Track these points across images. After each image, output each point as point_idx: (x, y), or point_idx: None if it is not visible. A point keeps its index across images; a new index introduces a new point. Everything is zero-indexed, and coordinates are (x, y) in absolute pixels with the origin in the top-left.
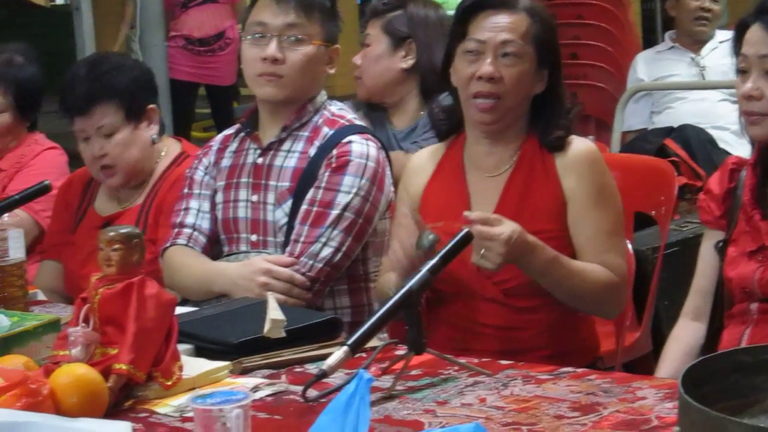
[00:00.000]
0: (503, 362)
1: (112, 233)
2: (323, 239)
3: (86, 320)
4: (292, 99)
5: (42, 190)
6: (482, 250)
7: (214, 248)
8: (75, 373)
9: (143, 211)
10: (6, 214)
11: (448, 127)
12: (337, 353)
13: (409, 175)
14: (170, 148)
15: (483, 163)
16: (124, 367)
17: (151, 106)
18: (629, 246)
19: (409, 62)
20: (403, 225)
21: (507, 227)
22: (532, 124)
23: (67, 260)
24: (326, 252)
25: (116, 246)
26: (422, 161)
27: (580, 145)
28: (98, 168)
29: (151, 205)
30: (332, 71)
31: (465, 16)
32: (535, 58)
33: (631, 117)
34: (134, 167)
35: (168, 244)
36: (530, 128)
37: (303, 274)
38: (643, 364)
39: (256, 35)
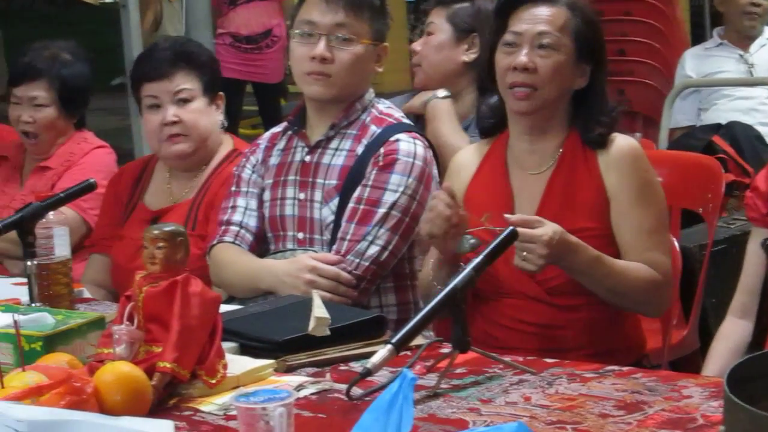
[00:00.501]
0: (548, 360)
1: (156, 231)
2: (370, 237)
3: (131, 318)
4: (340, 97)
5: (87, 188)
6: (524, 253)
7: (260, 246)
8: (119, 372)
9: (194, 206)
10: (51, 212)
11: (492, 124)
12: (382, 351)
13: (452, 172)
14: (225, 144)
15: (525, 160)
16: (168, 365)
17: (220, 93)
18: (675, 243)
19: (471, 56)
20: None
21: (548, 229)
22: (574, 120)
23: (115, 254)
24: (373, 250)
25: (160, 244)
26: (466, 159)
27: (622, 142)
28: (165, 136)
29: (202, 200)
30: (380, 70)
31: (505, 10)
32: (573, 51)
33: (678, 114)
34: (203, 140)
35: (215, 242)
36: (572, 125)
37: (349, 272)
38: (691, 362)
39: (305, 33)
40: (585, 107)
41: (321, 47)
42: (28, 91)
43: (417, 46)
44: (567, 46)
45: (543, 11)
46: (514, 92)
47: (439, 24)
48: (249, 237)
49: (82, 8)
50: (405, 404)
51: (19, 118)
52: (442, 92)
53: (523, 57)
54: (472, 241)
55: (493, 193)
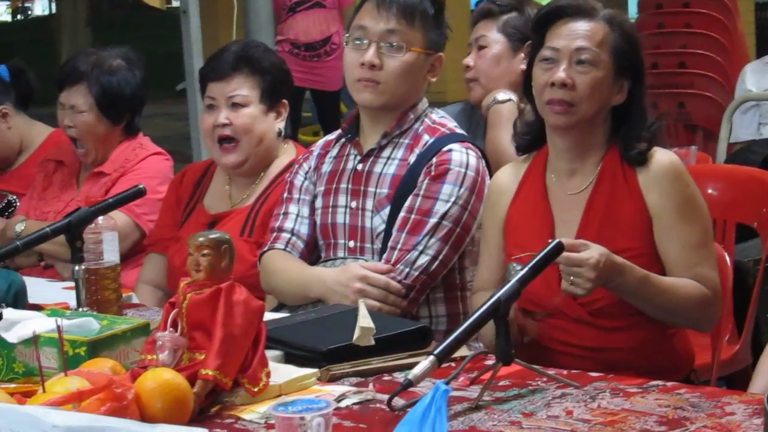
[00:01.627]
0: (592, 374)
1: (201, 238)
2: (420, 247)
3: (174, 325)
4: (390, 106)
5: (136, 193)
6: (571, 277)
7: (312, 253)
8: (160, 379)
9: (252, 212)
10: (101, 217)
11: (529, 140)
12: (424, 363)
13: (492, 195)
14: (287, 152)
15: (564, 179)
16: (210, 372)
17: (285, 101)
18: (727, 258)
19: None
20: (488, 243)
21: (594, 251)
22: (612, 137)
23: (171, 256)
24: (423, 260)
25: (205, 251)
26: (505, 180)
27: (662, 157)
28: (216, 138)
29: (261, 207)
30: (434, 80)
31: (542, 25)
32: (612, 67)
33: (738, 128)
34: (254, 147)
35: (266, 248)
36: (611, 142)
37: (399, 281)
38: (743, 378)
39: (357, 40)
40: (624, 124)
41: (370, 54)
42: (68, 97)
43: (470, 61)
44: (605, 62)
45: (581, 26)
46: (552, 108)
47: (491, 36)
48: (300, 244)
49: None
50: (438, 416)
51: (64, 123)
52: (502, 95)
53: (561, 73)
54: (518, 268)
55: (533, 215)
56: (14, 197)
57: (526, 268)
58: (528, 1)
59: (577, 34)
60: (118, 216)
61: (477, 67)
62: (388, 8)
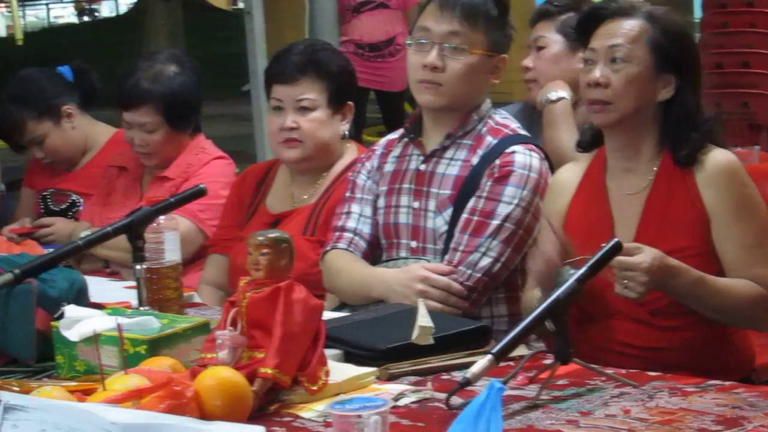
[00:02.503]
0: (651, 374)
1: (260, 238)
2: (482, 249)
3: (234, 324)
4: (452, 107)
5: (197, 193)
6: (625, 281)
7: (374, 253)
8: (219, 376)
9: (314, 211)
10: (162, 217)
11: (590, 138)
12: (481, 361)
13: (552, 192)
14: (349, 151)
15: (622, 180)
16: (269, 371)
17: (350, 103)
18: None
19: None
20: (546, 238)
21: (647, 255)
22: (667, 135)
23: (234, 256)
24: (485, 262)
25: (264, 250)
26: (565, 178)
27: (719, 156)
28: (281, 140)
29: (323, 206)
30: (497, 81)
31: (585, 28)
32: (651, 62)
33: None
34: (319, 150)
35: (329, 248)
36: (666, 141)
37: (461, 283)
38: None
39: (419, 41)
40: (673, 121)
41: (432, 56)
42: (136, 117)
43: (529, 62)
44: (641, 58)
45: (618, 25)
46: (591, 108)
47: (550, 37)
48: (362, 244)
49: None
50: (493, 414)
51: (133, 141)
52: (553, 93)
53: (596, 73)
54: (572, 272)
55: (592, 214)
56: (78, 197)
57: (585, 267)
58: (586, 0)
59: (612, 33)
60: (182, 221)
61: (536, 67)
62: (451, 10)
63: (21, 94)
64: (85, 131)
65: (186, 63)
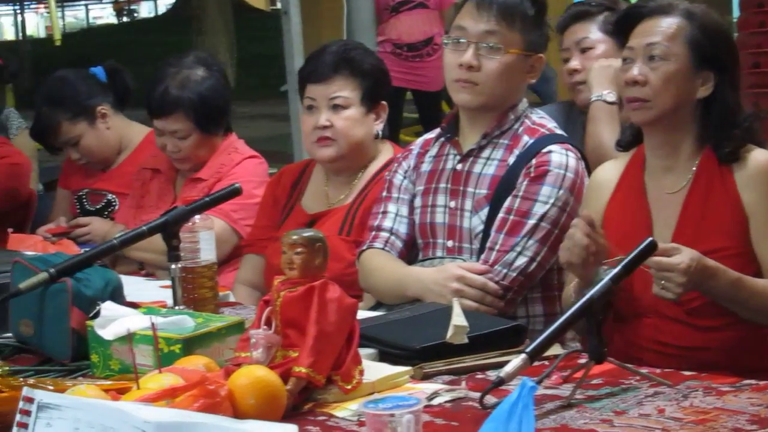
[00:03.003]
0: (685, 373)
1: (295, 236)
2: (518, 248)
3: (268, 323)
4: (488, 106)
5: (232, 192)
6: (662, 281)
7: (410, 252)
8: (253, 375)
9: (350, 211)
10: (197, 216)
11: (630, 138)
12: (515, 360)
13: (591, 190)
14: (385, 151)
15: (661, 179)
16: (303, 370)
17: (383, 102)
18: None
19: None
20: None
21: (685, 256)
22: (706, 134)
23: (270, 256)
24: (521, 261)
25: (299, 249)
26: (604, 177)
27: (759, 156)
28: (315, 139)
29: (359, 206)
30: (533, 81)
31: (623, 26)
32: (689, 59)
33: None
34: (353, 149)
35: (365, 247)
36: (706, 140)
37: (496, 282)
38: None
39: (456, 40)
40: (713, 118)
41: (468, 55)
42: (167, 125)
43: (576, 64)
44: (679, 55)
45: (656, 23)
46: (630, 106)
47: (594, 37)
48: (399, 243)
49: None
50: (525, 413)
51: (165, 147)
52: (611, 96)
53: (634, 71)
54: (607, 271)
55: (631, 213)
56: (114, 197)
57: (620, 266)
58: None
59: (650, 31)
60: (216, 222)
61: (583, 69)
62: (488, 9)
63: (55, 96)
64: (119, 131)
65: (213, 65)
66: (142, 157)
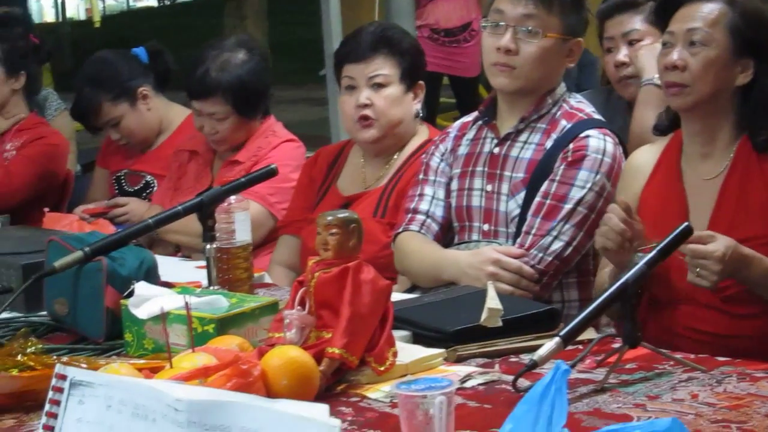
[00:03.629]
0: (719, 359)
1: (329, 218)
2: (554, 232)
3: (302, 303)
4: (526, 90)
5: (268, 173)
6: (697, 269)
7: (446, 235)
8: (287, 356)
9: (385, 193)
10: (233, 197)
11: (667, 122)
12: (549, 344)
13: (628, 174)
14: (421, 132)
15: (698, 165)
16: (337, 351)
17: (420, 82)
18: None
19: None
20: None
21: (720, 244)
22: (744, 121)
23: (305, 237)
24: (557, 245)
25: (333, 230)
26: (642, 161)
27: None
28: (356, 119)
29: (393, 188)
30: (572, 65)
31: (663, 12)
32: (729, 46)
33: None
34: (393, 128)
35: (401, 230)
36: (744, 126)
37: (532, 266)
38: None
39: (494, 24)
40: (752, 106)
41: (507, 39)
42: (206, 107)
43: (624, 57)
44: (719, 41)
45: (697, 8)
46: (669, 91)
47: (644, 29)
48: (434, 226)
49: None
50: (558, 396)
51: (203, 129)
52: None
53: (673, 55)
54: (642, 256)
55: (667, 199)
56: (152, 178)
57: (654, 251)
58: None
59: (691, 16)
60: (253, 205)
61: (632, 62)
62: None
63: (97, 77)
64: (160, 113)
65: (254, 49)
66: (181, 138)
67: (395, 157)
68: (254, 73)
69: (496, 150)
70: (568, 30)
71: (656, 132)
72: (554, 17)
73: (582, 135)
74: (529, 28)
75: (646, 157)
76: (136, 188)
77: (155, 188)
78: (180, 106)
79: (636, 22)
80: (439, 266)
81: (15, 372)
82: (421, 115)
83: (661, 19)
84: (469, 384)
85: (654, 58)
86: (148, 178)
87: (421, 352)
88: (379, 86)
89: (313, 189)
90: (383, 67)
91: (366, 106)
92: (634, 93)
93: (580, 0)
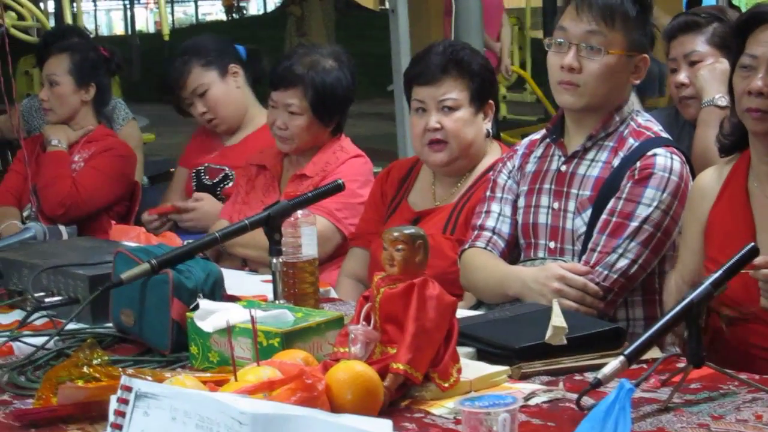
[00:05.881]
0: None
1: (396, 233)
2: (620, 250)
3: (367, 318)
4: (592, 107)
5: (335, 188)
6: None
7: (512, 252)
8: (352, 371)
9: (455, 210)
10: (300, 211)
11: (732, 142)
12: (613, 363)
13: (694, 196)
14: (493, 151)
15: (767, 185)
16: (401, 366)
17: (491, 101)
18: None
19: None
20: (688, 246)
21: None
22: None
23: (375, 250)
24: (622, 263)
25: (399, 246)
26: (708, 182)
27: None
28: (426, 140)
29: (464, 205)
30: (638, 81)
31: (742, 31)
32: None
33: None
34: (465, 150)
35: (467, 246)
36: None
37: (597, 283)
38: None
39: (557, 41)
40: None
41: (570, 57)
42: (284, 98)
43: (684, 78)
44: None
45: None
46: (750, 115)
47: (703, 50)
48: (501, 243)
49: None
50: (621, 414)
51: (274, 122)
52: (723, 100)
53: (758, 81)
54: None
55: (734, 219)
56: (231, 171)
57: (720, 271)
58: (728, 8)
59: None
60: (320, 220)
61: (694, 83)
62: (588, 10)
63: (193, 47)
64: (246, 99)
65: (344, 62)
66: (264, 137)
67: (467, 174)
68: (338, 82)
69: (564, 167)
70: (633, 46)
71: (722, 154)
72: (617, 34)
73: (649, 153)
74: (592, 45)
75: (713, 178)
76: (214, 181)
77: (233, 180)
78: (264, 108)
79: (698, 44)
80: (504, 282)
81: (81, 383)
82: (490, 134)
83: (738, 40)
84: (533, 401)
85: (715, 79)
86: (227, 170)
87: (485, 368)
88: (450, 109)
89: (384, 202)
90: (453, 90)
91: (436, 129)
92: (695, 114)
93: (646, 15)
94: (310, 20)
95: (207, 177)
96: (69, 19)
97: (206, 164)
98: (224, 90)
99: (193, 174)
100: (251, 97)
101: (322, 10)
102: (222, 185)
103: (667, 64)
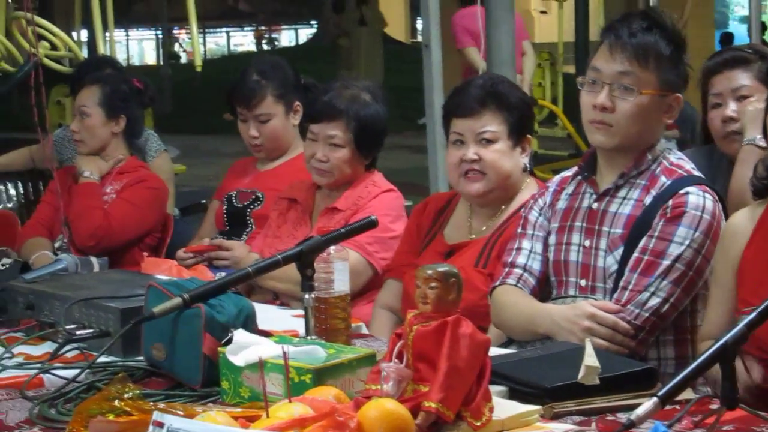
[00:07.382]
0: None
1: (429, 271)
2: (652, 288)
3: (400, 356)
4: (624, 147)
5: (368, 224)
6: None
7: (543, 290)
8: (383, 408)
9: (489, 243)
10: (332, 247)
11: (766, 186)
12: (646, 404)
13: (726, 238)
14: (529, 187)
15: None
16: (433, 405)
17: (528, 136)
18: None
19: None
20: (720, 286)
21: None
22: None
23: (407, 283)
24: (654, 302)
25: (433, 284)
26: (740, 223)
27: None
28: (463, 171)
29: (498, 239)
30: (670, 120)
31: None
32: None
33: None
34: (502, 181)
35: (498, 283)
36: None
37: (628, 321)
38: None
39: (591, 81)
40: None
41: (602, 96)
42: (326, 130)
43: (731, 112)
44: None
45: None
46: None
47: (753, 85)
48: (531, 280)
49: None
50: None
51: (314, 155)
52: (763, 141)
53: None
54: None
55: (766, 261)
56: (262, 194)
57: (754, 313)
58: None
59: None
60: (351, 254)
61: (741, 120)
62: (621, 50)
63: (270, 72)
64: (291, 134)
65: (379, 96)
66: (297, 165)
67: (502, 208)
68: (377, 116)
69: (595, 205)
70: (666, 86)
71: (756, 197)
72: (650, 74)
73: (681, 191)
74: (625, 85)
75: (745, 218)
76: (245, 203)
77: (264, 203)
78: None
79: (746, 79)
80: (534, 319)
81: (112, 416)
82: (528, 168)
83: None
84: None
85: (758, 118)
86: (259, 193)
87: (517, 408)
88: (488, 142)
89: (419, 235)
90: (491, 123)
91: (474, 161)
92: (738, 150)
93: (679, 54)
94: (360, 52)
95: (237, 200)
96: (102, 49)
97: (238, 189)
98: (283, 125)
99: (225, 199)
100: (294, 129)
101: (372, 42)
102: (252, 207)
103: (707, 101)
